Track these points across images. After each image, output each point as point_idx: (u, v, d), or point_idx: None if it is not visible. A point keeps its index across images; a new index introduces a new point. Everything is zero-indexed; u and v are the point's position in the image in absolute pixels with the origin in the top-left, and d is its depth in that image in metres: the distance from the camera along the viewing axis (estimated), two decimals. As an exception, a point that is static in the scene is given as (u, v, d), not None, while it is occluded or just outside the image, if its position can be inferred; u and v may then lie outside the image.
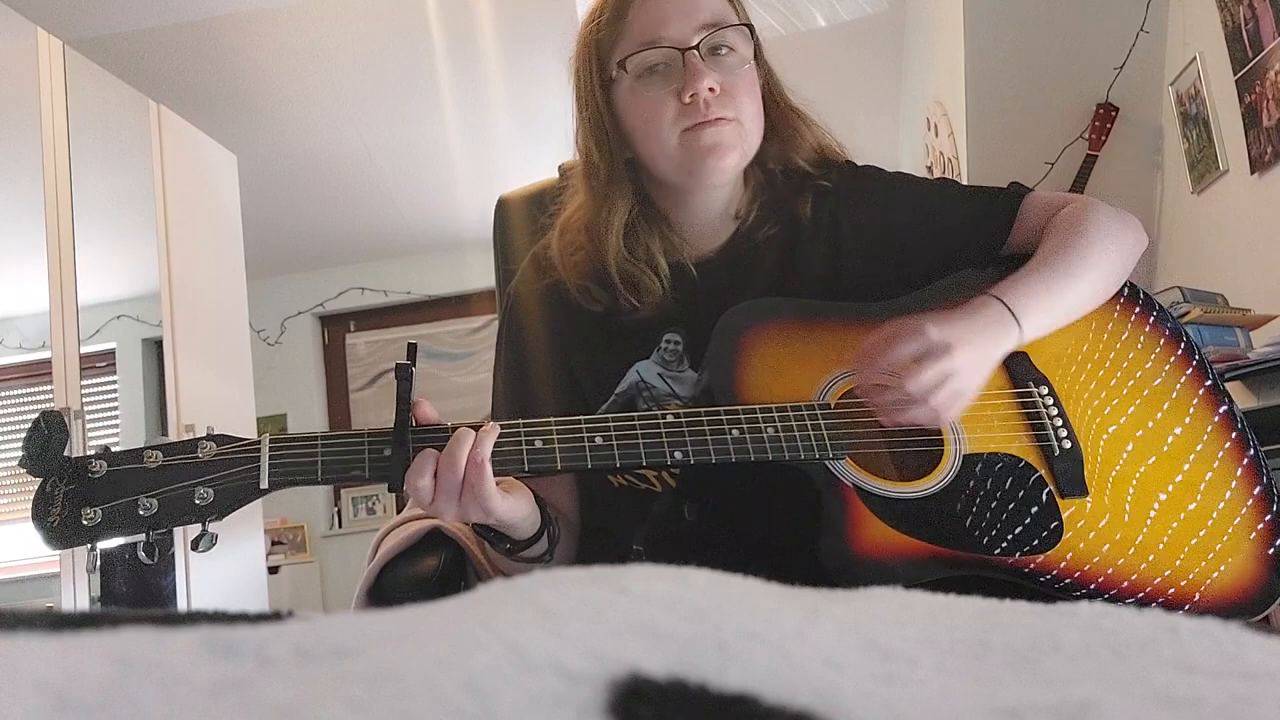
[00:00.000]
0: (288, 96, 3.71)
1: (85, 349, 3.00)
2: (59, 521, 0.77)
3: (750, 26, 1.02)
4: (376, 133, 4.06)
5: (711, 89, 0.97)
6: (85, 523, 0.78)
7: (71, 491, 0.78)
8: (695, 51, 0.97)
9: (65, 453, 0.79)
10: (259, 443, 0.83)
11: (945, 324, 0.87)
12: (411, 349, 0.85)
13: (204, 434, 0.83)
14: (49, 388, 2.92)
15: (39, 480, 0.78)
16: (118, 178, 3.49)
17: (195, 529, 0.82)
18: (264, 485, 0.81)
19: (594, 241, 1.06)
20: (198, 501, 0.80)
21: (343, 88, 3.70)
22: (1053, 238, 1.00)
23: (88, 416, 3.01)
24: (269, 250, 4.80)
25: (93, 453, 0.80)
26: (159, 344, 3.26)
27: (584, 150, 1.08)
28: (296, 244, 5.08)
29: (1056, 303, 0.95)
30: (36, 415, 0.78)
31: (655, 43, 0.99)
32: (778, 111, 1.08)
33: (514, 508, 0.89)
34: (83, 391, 2.93)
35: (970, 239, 1.07)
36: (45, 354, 2.97)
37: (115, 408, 3.87)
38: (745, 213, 1.08)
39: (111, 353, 3.83)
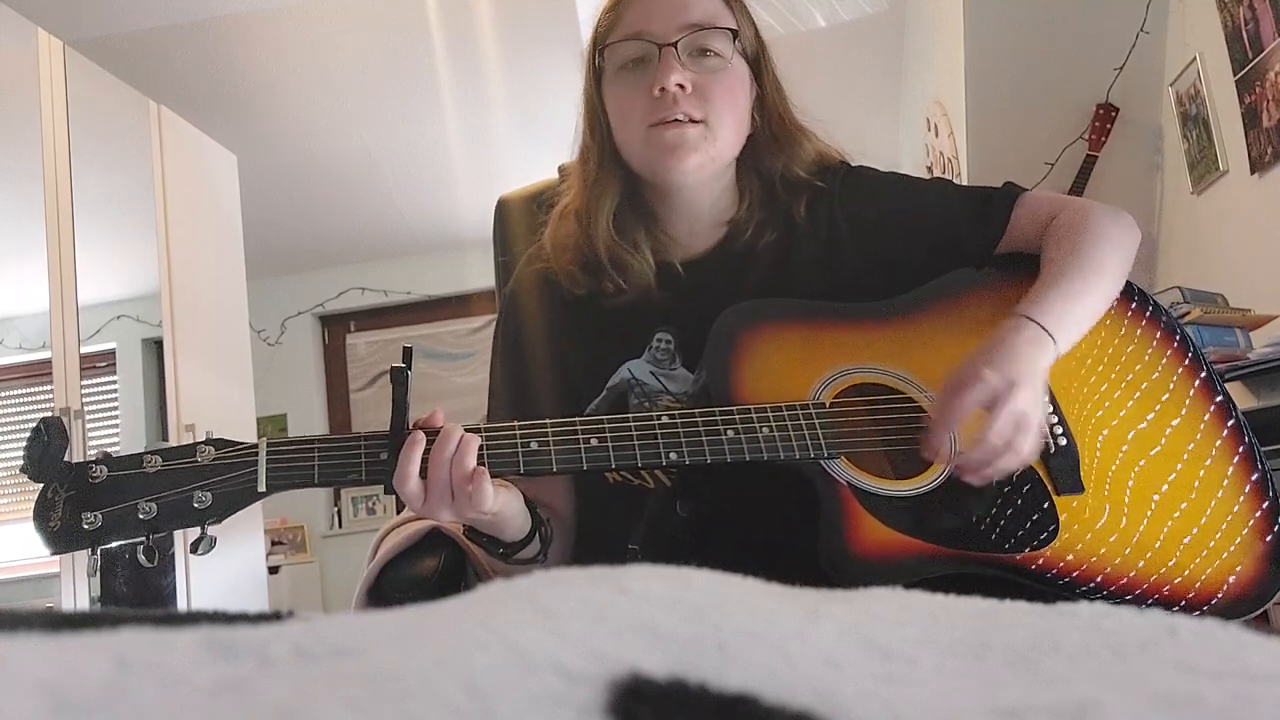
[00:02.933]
0: (288, 96, 3.71)
1: (85, 349, 3.00)
2: (60, 526, 0.78)
3: (735, 32, 1.02)
4: (376, 133, 4.06)
5: (681, 85, 0.97)
6: (86, 527, 0.78)
7: (72, 497, 0.79)
8: (673, 48, 0.98)
9: (65, 458, 0.79)
10: (256, 447, 0.83)
11: (997, 361, 0.87)
12: (407, 352, 0.85)
13: (203, 438, 0.83)
14: (49, 388, 2.92)
15: (40, 485, 0.79)
16: (118, 178, 3.49)
17: (195, 532, 0.82)
18: (261, 489, 0.82)
19: (582, 225, 1.07)
20: (196, 505, 0.81)
21: (343, 88, 3.70)
22: (1061, 246, 1.00)
23: (88, 417, 3.01)
24: (269, 250, 4.80)
25: (93, 458, 0.81)
26: (159, 344, 3.26)
27: (581, 135, 1.10)
28: (296, 244, 5.08)
29: (1081, 312, 0.95)
30: (37, 421, 0.78)
31: (637, 35, 1.00)
32: (780, 126, 1.08)
33: (506, 501, 0.89)
34: (83, 392, 2.93)
35: (965, 238, 1.07)
36: (45, 354, 2.97)
37: (115, 408, 3.87)
38: (740, 219, 1.08)
39: (111, 353, 3.83)
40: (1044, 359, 0.90)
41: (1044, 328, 0.91)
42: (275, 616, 0.31)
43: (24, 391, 3.51)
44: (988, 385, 0.85)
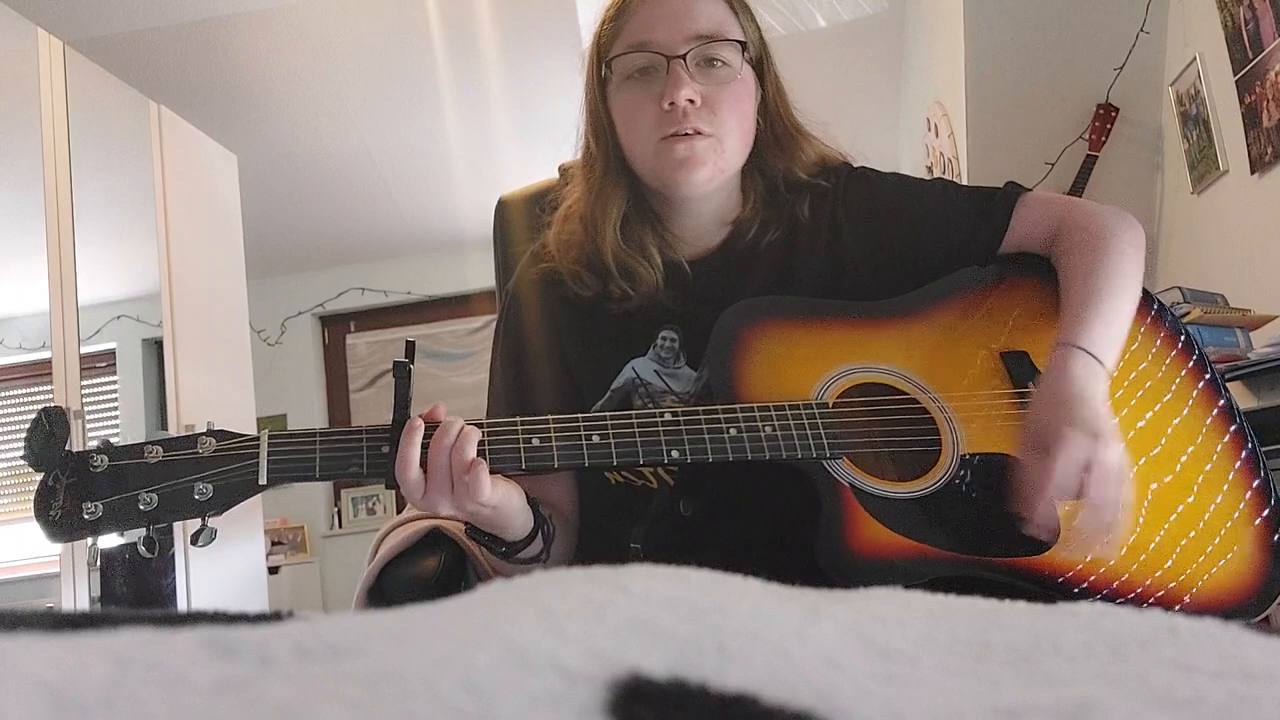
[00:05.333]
0: (288, 96, 3.71)
1: (85, 349, 3.00)
2: (61, 515, 0.78)
3: (744, 43, 1.01)
4: (376, 133, 4.06)
5: (691, 100, 0.97)
6: (86, 516, 0.78)
7: (73, 485, 0.79)
8: (681, 61, 0.98)
9: (66, 448, 0.79)
10: (258, 438, 0.83)
11: (1070, 414, 0.85)
12: (410, 346, 0.85)
13: (204, 429, 0.83)
14: (49, 388, 2.92)
15: (41, 475, 0.79)
16: (118, 178, 3.49)
17: (195, 525, 0.82)
18: (263, 481, 0.82)
19: (588, 231, 1.07)
20: (197, 496, 0.80)
21: (343, 88, 3.70)
22: (1081, 260, 1.00)
23: (88, 417, 3.01)
24: (269, 250, 4.80)
25: (95, 447, 0.81)
26: (159, 344, 3.26)
27: (585, 141, 1.09)
28: (296, 244, 5.08)
29: (1116, 327, 0.95)
30: (38, 411, 0.78)
31: (644, 46, 1.00)
32: (782, 128, 1.08)
33: (506, 495, 0.89)
34: (83, 391, 2.93)
35: (967, 239, 1.07)
36: (45, 354, 2.98)
37: (115, 408, 3.88)
38: (744, 218, 1.08)
39: (111, 353, 3.83)
40: (1103, 389, 0.90)
41: (1093, 354, 0.91)
42: (275, 616, 0.31)
43: (24, 391, 3.51)
44: (1079, 448, 0.84)
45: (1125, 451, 0.87)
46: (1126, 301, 0.97)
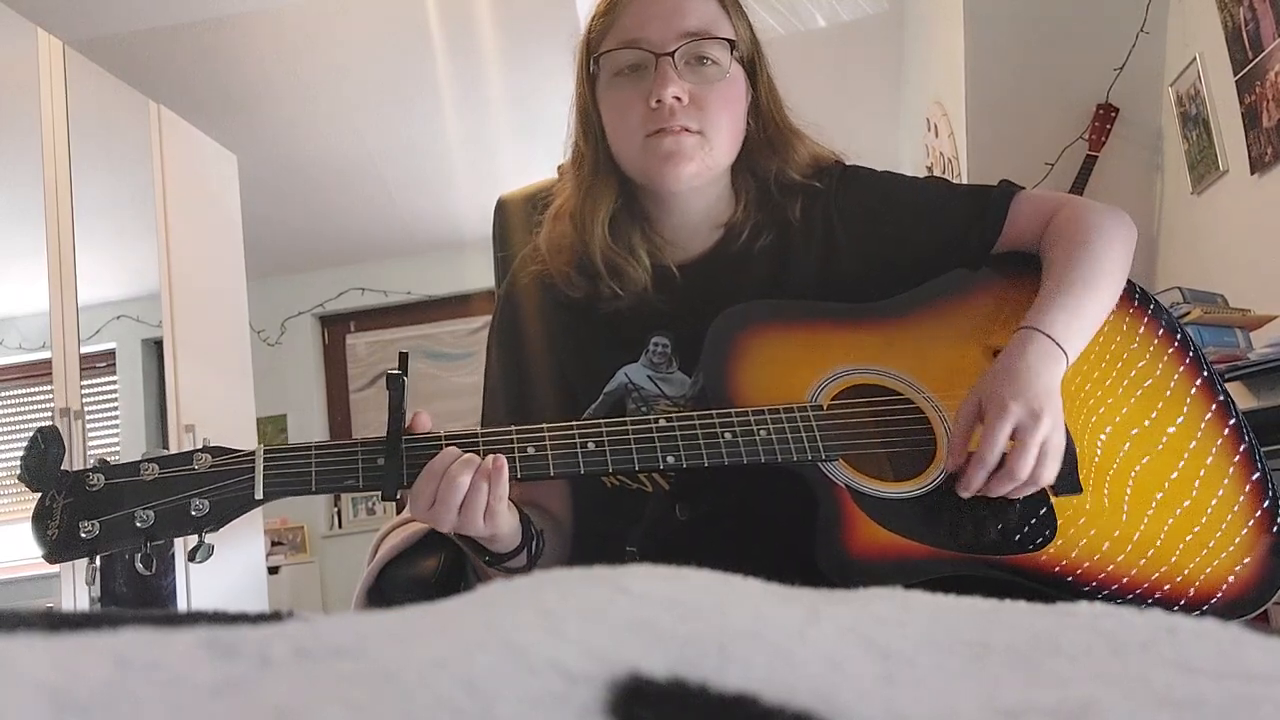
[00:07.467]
0: (288, 96, 3.71)
1: (85, 349, 3.00)
2: (58, 535, 0.78)
3: (734, 42, 1.01)
4: (376, 133, 4.06)
5: (678, 97, 0.97)
6: (84, 535, 0.78)
7: (70, 505, 0.79)
8: (670, 58, 0.98)
9: (63, 465, 0.79)
10: (254, 454, 0.83)
11: (1014, 386, 0.87)
12: (403, 358, 0.85)
13: (202, 441, 0.84)
14: (49, 388, 2.92)
15: (38, 494, 0.79)
16: (118, 178, 3.49)
17: (193, 539, 0.82)
18: (259, 496, 0.82)
19: (578, 230, 1.07)
20: (194, 513, 0.81)
21: (343, 88, 3.70)
22: (1063, 250, 1.00)
23: (88, 417, 3.01)
24: (269, 250, 4.80)
25: (90, 466, 0.81)
26: (159, 344, 3.26)
27: (574, 139, 1.09)
28: (296, 244, 5.08)
29: (1087, 318, 0.95)
30: (34, 430, 0.78)
31: (633, 43, 1.00)
32: (775, 129, 1.08)
33: (508, 518, 0.90)
34: (83, 392, 2.93)
35: (962, 238, 1.07)
36: (45, 354, 2.97)
37: (115, 408, 3.87)
38: (736, 221, 1.08)
39: (111, 353, 3.82)
40: (1057, 373, 0.90)
41: (1054, 340, 0.91)
42: (275, 616, 0.31)
43: (24, 391, 3.50)
44: (1013, 416, 0.85)
45: (1060, 429, 0.88)
46: (1102, 293, 0.97)
